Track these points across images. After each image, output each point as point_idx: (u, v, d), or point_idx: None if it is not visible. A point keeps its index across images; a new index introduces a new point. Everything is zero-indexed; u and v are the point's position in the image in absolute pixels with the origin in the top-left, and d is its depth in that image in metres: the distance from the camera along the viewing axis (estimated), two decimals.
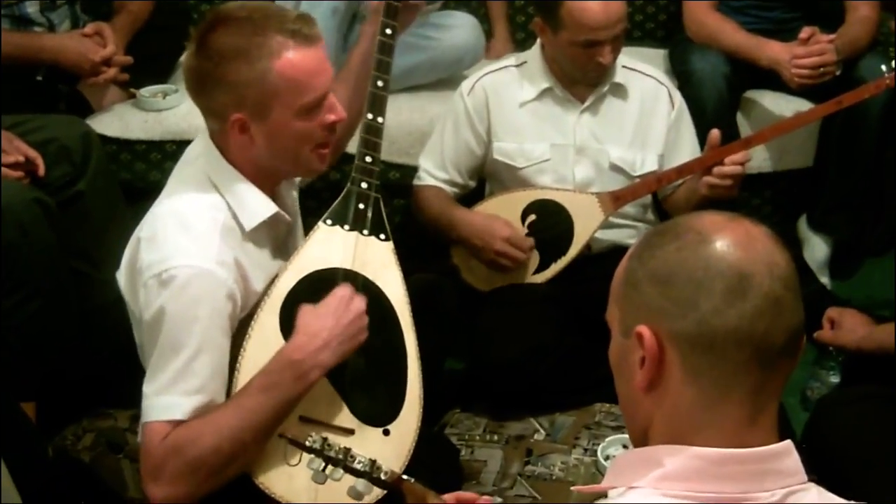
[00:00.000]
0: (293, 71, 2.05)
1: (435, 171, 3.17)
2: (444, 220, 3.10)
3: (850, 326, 2.80)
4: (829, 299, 3.25)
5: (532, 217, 3.03)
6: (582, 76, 3.03)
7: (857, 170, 3.53)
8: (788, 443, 1.27)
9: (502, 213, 3.05)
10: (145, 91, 3.57)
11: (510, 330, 2.89)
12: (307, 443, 1.68)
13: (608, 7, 2.87)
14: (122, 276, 2.17)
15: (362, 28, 2.58)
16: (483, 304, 3.01)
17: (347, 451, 1.67)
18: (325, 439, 1.67)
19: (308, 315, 2.08)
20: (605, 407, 2.93)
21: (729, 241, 1.26)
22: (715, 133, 2.90)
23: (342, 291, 2.12)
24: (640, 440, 1.33)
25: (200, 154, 2.19)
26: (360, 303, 2.12)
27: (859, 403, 2.46)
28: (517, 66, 3.14)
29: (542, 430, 2.88)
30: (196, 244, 2.03)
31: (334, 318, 2.08)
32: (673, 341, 1.25)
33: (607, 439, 2.74)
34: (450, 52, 3.61)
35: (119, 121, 3.53)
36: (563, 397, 2.95)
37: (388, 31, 2.42)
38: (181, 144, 3.49)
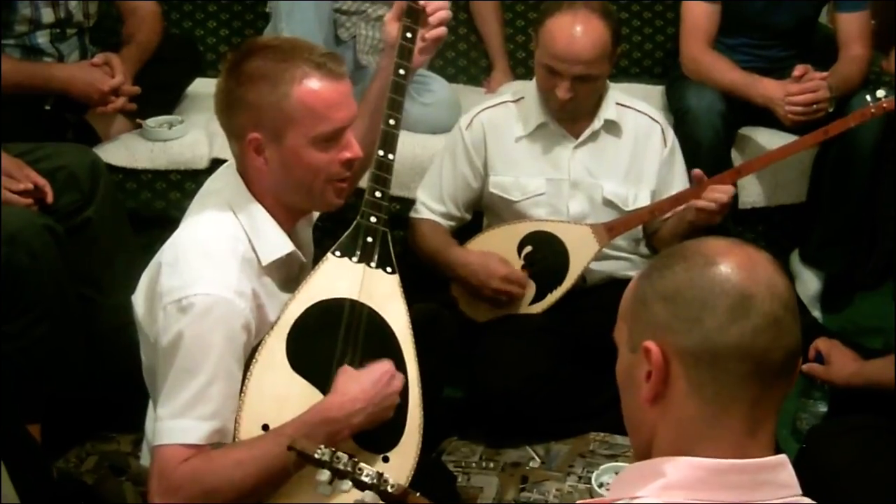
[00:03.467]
0: (312, 99, 2.12)
1: (432, 204, 3.21)
2: (441, 258, 3.14)
3: (839, 363, 2.84)
4: (821, 333, 3.27)
5: (528, 248, 3.07)
6: (545, 101, 3.08)
7: (848, 205, 3.56)
8: (783, 456, 1.33)
9: (499, 245, 3.10)
10: (151, 121, 3.61)
11: (507, 359, 2.94)
12: (316, 455, 1.72)
13: (574, 43, 2.91)
14: (138, 299, 2.21)
15: (380, 62, 2.64)
16: (481, 334, 3.06)
17: (356, 463, 1.70)
18: (333, 451, 1.71)
19: (349, 378, 2.14)
20: (600, 436, 2.98)
21: (733, 263, 1.33)
22: (697, 171, 2.97)
23: (387, 366, 2.18)
24: (644, 453, 1.38)
25: (225, 184, 2.24)
26: (399, 381, 2.19)
27: (849, 434, 2.48)
28: (514, 101, 3.19)
29: (537, 458, 2.92)
30: (216, 273, 2.08)
31: (374, 388, 2.13)
32: (678, 356, 1.32)
33: (601, 467, 2.78)
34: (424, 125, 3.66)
35: (125, 150, 3.57)
36: (558, 426, 3.00)
37: (402, 72, 2.48)
38: (186, 174, 3.57)
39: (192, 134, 3.62)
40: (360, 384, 2.13)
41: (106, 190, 3.08)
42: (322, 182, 2.20)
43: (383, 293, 2.32)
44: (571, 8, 2.95)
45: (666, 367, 1.32)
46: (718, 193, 2.94)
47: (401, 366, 2.26)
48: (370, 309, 2.29)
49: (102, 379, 2.88)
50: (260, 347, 2.15)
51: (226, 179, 2.26)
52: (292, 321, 2.21)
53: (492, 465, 2.90)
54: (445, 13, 2.61)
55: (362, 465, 1.72)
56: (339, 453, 1.72)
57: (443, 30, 2.61)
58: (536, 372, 2.92)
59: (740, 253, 1.35)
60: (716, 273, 1.33)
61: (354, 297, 2.28)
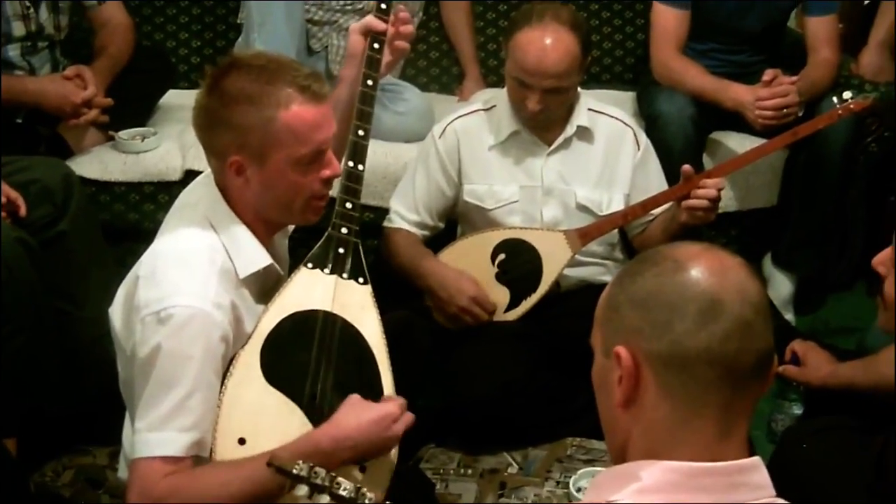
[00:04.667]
0: (296, 123, 2.11)
1: (406, 214, 3.21)
2: (413, 268, 3.13)
3: (814, 364, 2.86)
4: (794, 335, 3.29)
5: (502, 256, 3.07)
6: (516, 111, 3.09)
7: (819, 208, 3.60)
8: (757, 458, 1.35)
9: (473, 253, 3.10)
10: (124, 133, 3.61)
11: (483, 366, 2.93)
12: (294, 470, 1.72)
13: (544, 58, 2.92)
14: (115, 313, 2.20)
15: (340, 73, 2.65)
16: (455, 342, 3.05)
17: (333, 477, 1.71)
18: (311, 467, 1.71)
19: (351, 410, 2.10)
20: (577, 441, 2.97)
21: (703, 268, 1.34)
22: (687, 167, 2.97)
23: (394, 408, 2.13)
24: (619, 457, 1.40)
25: (202, 197, 2.23)
26: (401, 426, 2.13)
27: (823, 435, 2.49)
28: (486, 109, 3.20)
29: (515, 464, 2.92)
30: (194, 284, 2.07)
31: (370, 428, 2.09)
32: (648, 360, 1.33)
33: (579, 472, 2.78)
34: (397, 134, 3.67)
35: (98, 163, 3.57)
36: (535, 432, 2.99)
37: (370, 83, 2.50)
38: (159, 186, 3.57)
39: (166, 146, 3.62)
40: (358, 420, 2.08)
41: (79, 203, 3.07)
42: (302, 201, 2.20)
43: (356, 304, 2.32)
44: (541, 21, 2.95)
45: (637, 372, 1.34)
46: (707, 190, 2.94)
47: (375, 376, 2.26)
48: (343, 320, 2.28)
49: (79, 392, 2.87)
50: (234, 360, 2.14)
51: (202, 191, 2.25)
52: (266, 334, 2.20)
53: (470, 471, 2.89)
54: (411, 28, 2.65)
55: (340, 479, 1.72)
56: (317, 468, 1.72)
57: (407, 45, 2.65)
58: (512, 378, 2.92)
59: (711, 258, 1.36)
60: (686, 278, 1.34)
61: (327, 308, 2.28)
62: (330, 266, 2.33)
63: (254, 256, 2.20)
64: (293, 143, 2.12)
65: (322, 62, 3.70)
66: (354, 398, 2.13)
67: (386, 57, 2.59)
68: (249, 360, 2.16)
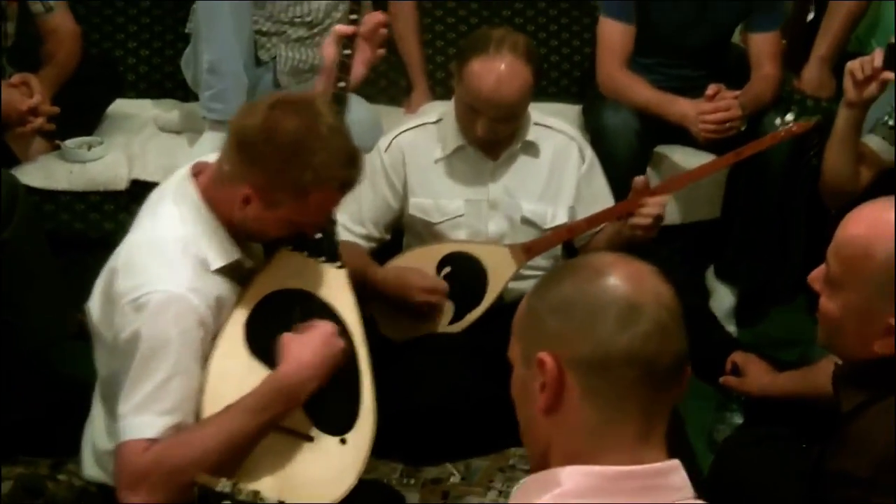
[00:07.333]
0: (320, 205, 2.22)
1: (352, 226, 3.20)
2: (359, 278, 3.14)
3: (754, 374, 2.90)
4: (736, 347, 3.32)
5: (447, 269, 3.09)
6: (464, 131, 3.10)
7: (761, 221, 3.64)
8: (676, 461, 1.38)
9: (419, 265, 3.11)
10: (70, 142, 3.60)
11: (426, 376, 2.95)
12: (217, 488, 1.73)
13: (499, 90, 2.93)
14: (93, 306, 2.24)
15: (315, 84, 2.73)
16: (399, 354, 3.06)
17: (256, 493, 1.72)
18: (234, 483, 1.73)
19: (295, 344, 2.19)
20: (519, 451, 3.00)
21: (620, 274, 1.38)
22: (641, 179, 3.01)
23: (329, 327, 2.24)
24: (541, 464, 1.41)
25: (176, 190, 2.26)
26: (341, 341, 2.24)
27: (761, 443, 2.53)
28: (434, 122, 3.21)
29: (457, 474, 2.94)
30: (169, 271, 2.12)
31: (323, 350, 2.19)
32: (571, 364, 1.35)
33: (521, 481, 2.79)
34: None
35: (43, 171, 3.56)
36: (478, 442, 3.02)
37: (342, 84, 2.60)
38: (105, 195, 3.56)
39: (112, 155, 3.61)
40: (310, 349, 2.18)
41: (23, 212, 3.06)
42: (272, 237, 2.30)
43: (334, 286, 2.41)
44: (499, 52, 2.94)
45: (560, 377, 1.36)
46: (652, 207, 2.98)
47: (353, 353, 2.34)
48: (322, 299, 2.37)
49: (19, 402, 2.86)
50: (219, 335, 2.20)
51: (177, 184, 2.28)
52: (249, 309, 2.27)
53: (412, 481, 2.91)
54: (386, 31, 2.79)
55: (263, 495, 1.74)
56: (241, 485, 1.74)
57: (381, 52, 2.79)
58: (455, 389, 2.94)
59: (627, 265, 1.40)
60: (605, 284, 1.37)
61: (308, 288, 2.37)
62: (308, 249, 2.41)
63: (223, 250, 2.24)
64: (303, 213, 2.21)
65: (270, 73, 3.70)
66: (287, 336, 2.21)
67: (365, 53, 2.71)
68: (234, 332, 2.23)
